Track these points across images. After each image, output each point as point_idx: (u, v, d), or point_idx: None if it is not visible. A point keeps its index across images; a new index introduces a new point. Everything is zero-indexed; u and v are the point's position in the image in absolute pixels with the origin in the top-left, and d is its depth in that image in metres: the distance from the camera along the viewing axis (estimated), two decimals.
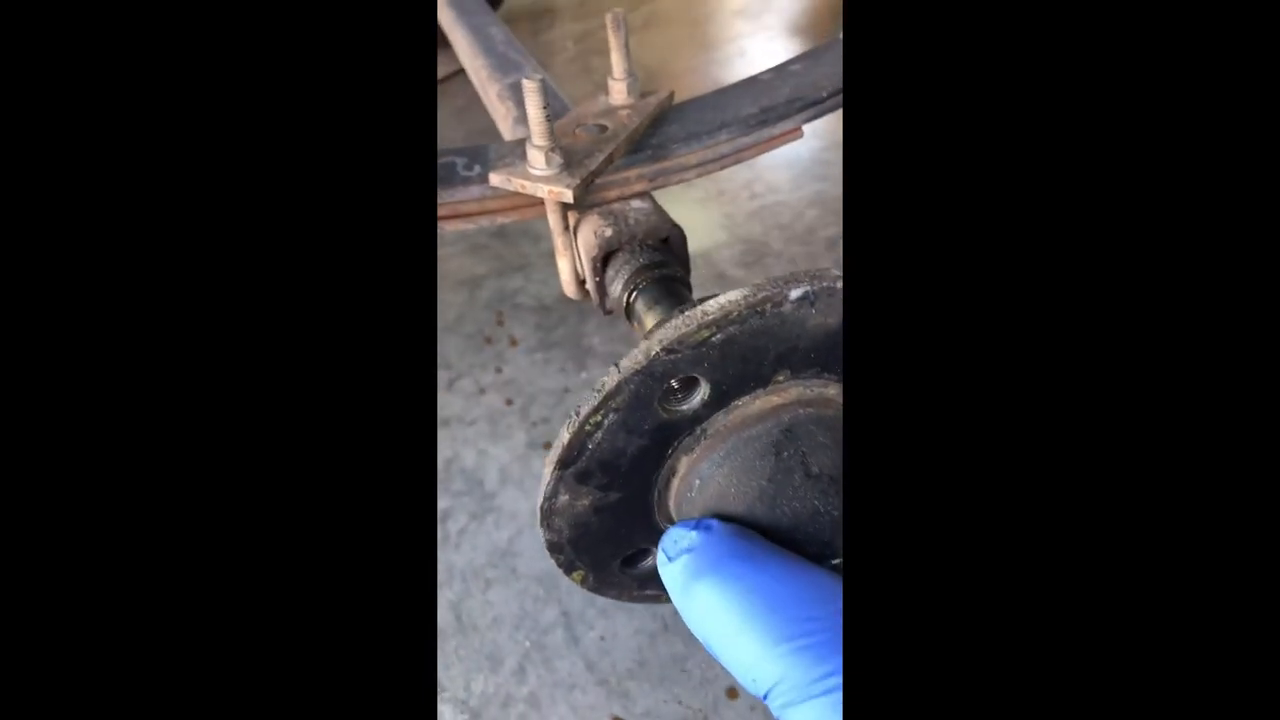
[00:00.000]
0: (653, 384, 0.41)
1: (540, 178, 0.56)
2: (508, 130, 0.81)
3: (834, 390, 0.46)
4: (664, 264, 0.58)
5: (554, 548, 0.50)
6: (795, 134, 0.66)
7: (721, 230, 1.59)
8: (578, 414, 0.42)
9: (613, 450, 0.44)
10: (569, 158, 0.58)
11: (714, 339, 0.41)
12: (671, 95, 0.70)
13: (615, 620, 0.97)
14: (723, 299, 0.41)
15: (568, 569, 0.52)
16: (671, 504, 0.49)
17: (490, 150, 0.63)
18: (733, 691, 0.88)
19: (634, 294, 0.57)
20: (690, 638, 0.94)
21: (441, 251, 1.65)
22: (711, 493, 0.45)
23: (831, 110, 0.68)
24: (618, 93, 0.67)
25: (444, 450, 1.21)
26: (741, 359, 0.42)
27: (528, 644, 0.95)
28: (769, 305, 0.40)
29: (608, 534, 0.50)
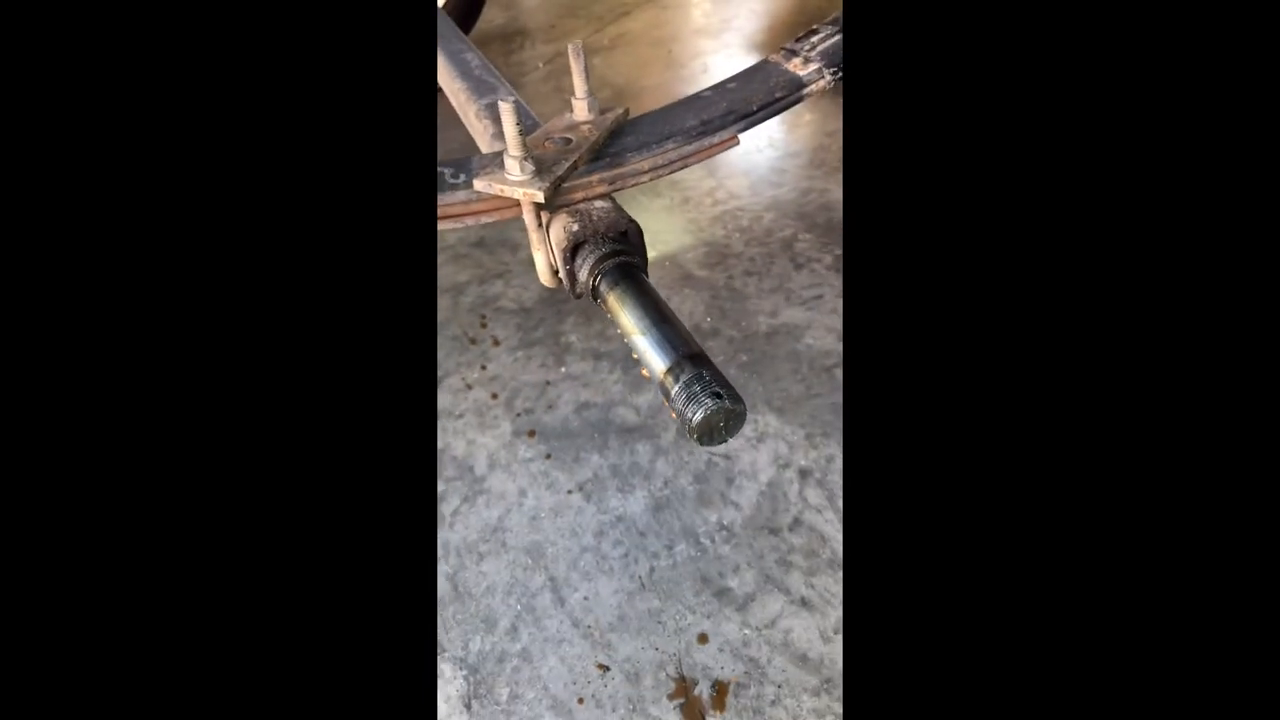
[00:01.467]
0: None
1: (516, 182, 0.67)
2: (485, 144, 0.93)
3: None
4: (623, 252, 0.70)
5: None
6: (732, 142, 0.79)
7: (687, 234, 1.72)
8: None
9: None
10: (540, 165, 0.69)
11: None
12: (627, 111, 0.82)
13: (597, 583, 1.07)
14: None
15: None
16: None
17: (473, 161, 0.75)
18: (703, 637, 0.99)
19: (598, 278, 0.69)
20: (664, 594, 1.05)
21: None
22: None
23: (762, 121, 0.80)
24: (580, 110, 0.79)
25: (437, 441, 1.31)
26: None
27: (519, 607, 1.05)
28: None
29: None
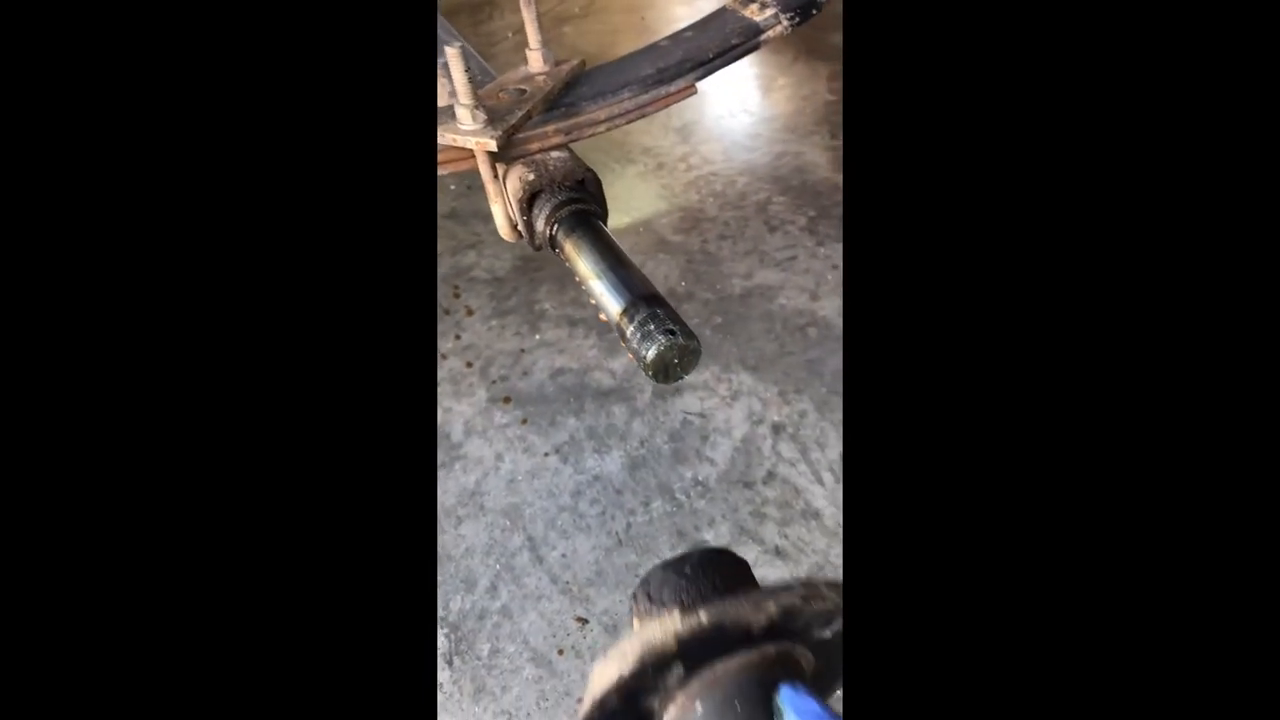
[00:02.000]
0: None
1: (468, 132, 0.67)
2: (443, 102, 0.92)
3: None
4: (579, 200, 0.70)
5: None
6: (689, 90, 0.78)
7: (661, 200, 1.71)
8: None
9: None
10: (493, 115, 0.69)
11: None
12: (583, 62, 0.81)
13: (575, 540, 1.08)
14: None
15: None
16: None
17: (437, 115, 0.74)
18: None
19: (555, 226, 0.69)
20: (641, 549, 1.06)
21: None
22: None
23: (719, 69, 0.79)
24: (534, 61, 0.78)
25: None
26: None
27: (498, 566, 1.06)
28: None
29: None
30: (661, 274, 1.50)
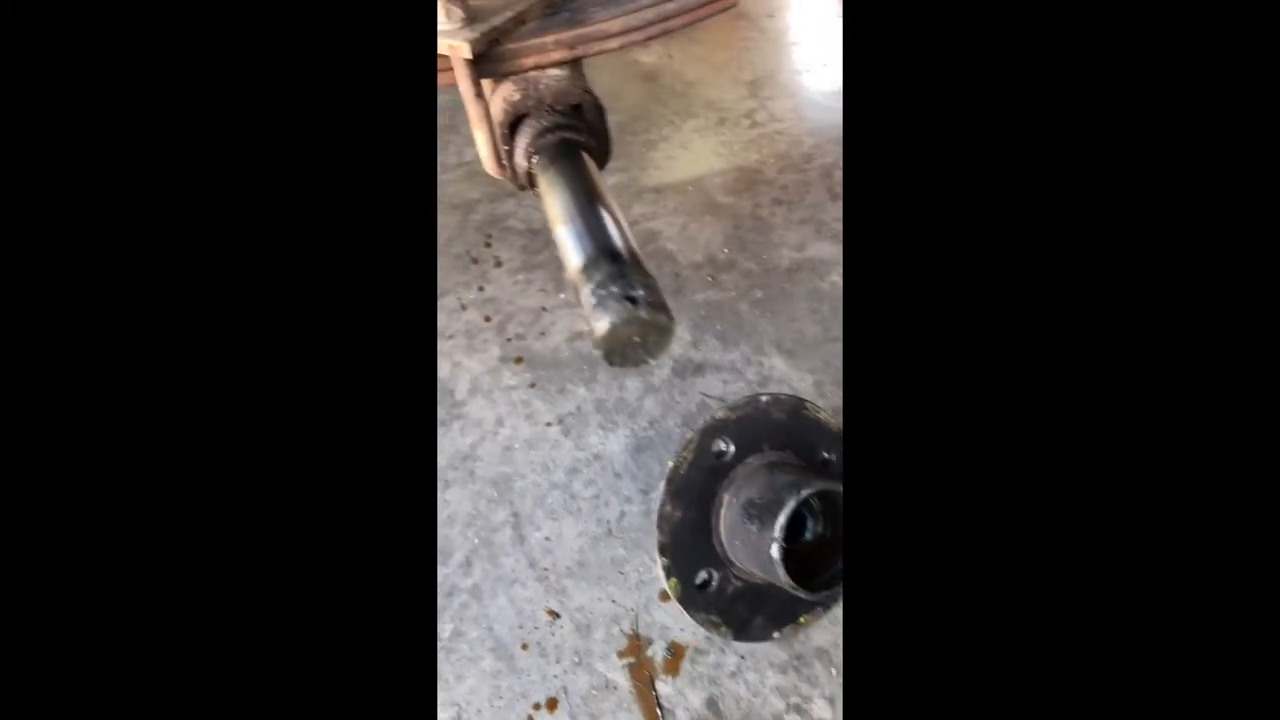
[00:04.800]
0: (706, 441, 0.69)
1: (440, 33, 0.55)
2: None
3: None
4: (568, 127, 0.57)
5: (662, 549, 0.74)
6: (728, 2, 0.63)
7: (716, 158, 1.55)
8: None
9: (689, 479, 0.70)
10: (476, 15, 0.56)
11: (733, 419, 0.70)
12: None
13: (562, 523, 0.98)
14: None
15: (665, 574, 0.75)
16: (721, 524, 0.73)
17: None
18: (665, 595, 0.89)
19: (534, 157, 0.56)
20: (630, 544, 0.95)
21: (441, 176, 1.66)
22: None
23: None
24: None
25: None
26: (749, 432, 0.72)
27: (476, 541, 0.98)
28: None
29: (689, 549, 0.74)
30: (704, 238, 1.36)
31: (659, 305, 0.42)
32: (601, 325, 0.42)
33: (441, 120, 1.90)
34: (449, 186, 1.63)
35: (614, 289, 0.43)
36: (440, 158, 1.72)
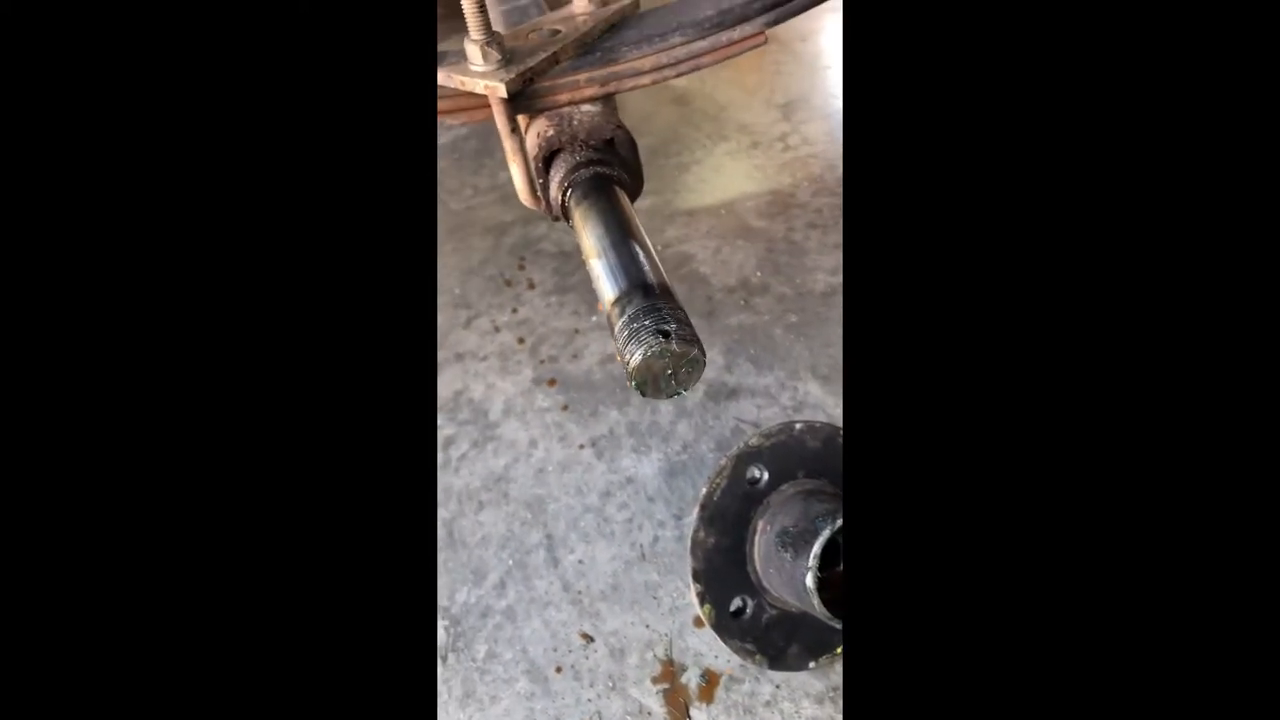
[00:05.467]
0: (740, 468, 0.70)
1: (478, 73, 0.57)
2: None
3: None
4: (601, 162, 0.58)
5: (695, 575, 0.75)
6: (758, 39, 0.64)
7: (749, 182, 1.56)
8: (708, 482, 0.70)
9: (722, 505, 0.71)
10: (512, 56, 0.59)
11: (767, 446, 0.70)
12: (637, 3, 0.69)
13: (595, 547, 0.99)
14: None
15: (699, 600, 0.77)
16: (756, 552, 0.74)
17: (448, 54, 0.65)
18: (699, 621, 0.88)
19: (569, 191, 0.58)
20: (664, 569, 0.95)
21: (473, 201, 1.70)
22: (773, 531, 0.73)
23: (798, 12, 0.65)
24: (580, 1, 0.67)
25: (454, 382, 1.26)
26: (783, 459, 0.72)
27: (510, 562, 0.99)
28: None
29: (723, 575, 0.75)
30: (737, 261, 1.36)
31: (691, 339, 0.43)
32: (635, 358, 0.43)
33: (475, 144, 1.95)
34: (482, 210, 1.67)
35: (647, 323, 0.44)
36: (473, 180, 1.76)
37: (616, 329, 0.45)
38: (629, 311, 0.45)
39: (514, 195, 1.68)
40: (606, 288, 0.48)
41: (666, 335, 0.42)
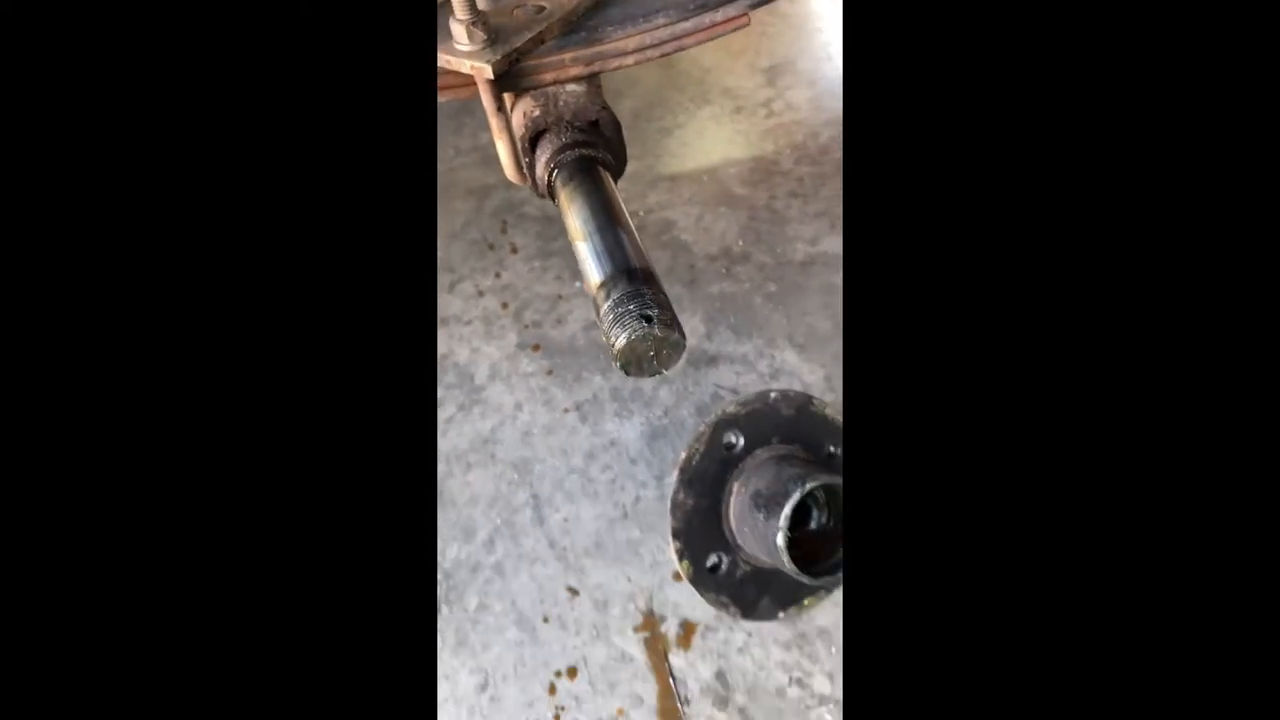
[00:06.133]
0: (717, 434, 0.71)
1: (464, 53, 0.58)
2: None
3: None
4: (586, 144, 0.60)
5: (675, 534, 0.78)
6: (742, 20, 0.66)
7: (733, 147, 1.57)
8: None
9: (701, 469, 0.73)
10: (498, 35, 0.60)
11: (743, 413, 0.71)
12: None
13: (580, 505, 1.03)
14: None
15: (678, 556, 0.79)
16: (731, 512, 0.77)
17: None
18: (678, 575, 0.94)
19: (554, 172, 0.60)
20: (645, 527, 1.00)
21: (454, 162, 1.69)
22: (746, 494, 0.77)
23: None
24: None
25: (440, 346, 1.28)
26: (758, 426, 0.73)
27: (499, 521, 1.03)
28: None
29: (700, 534, 0.77)
30: (719, 229, 1.38)
31: (672, 323, 0.46)
32: (620, 341, 0.46)
33: (455, 103, 1.92)
34: (464, 171, 1.66)
35: (631, 307, 0.47)
36: (455, 141, 1.74)
37: (602, 312, 0.48)
38: (614, 296, 0.48)
39: (496, 157, 1.67)
40: (592, 271, 0.51)
41: (649, 320, 0.46)
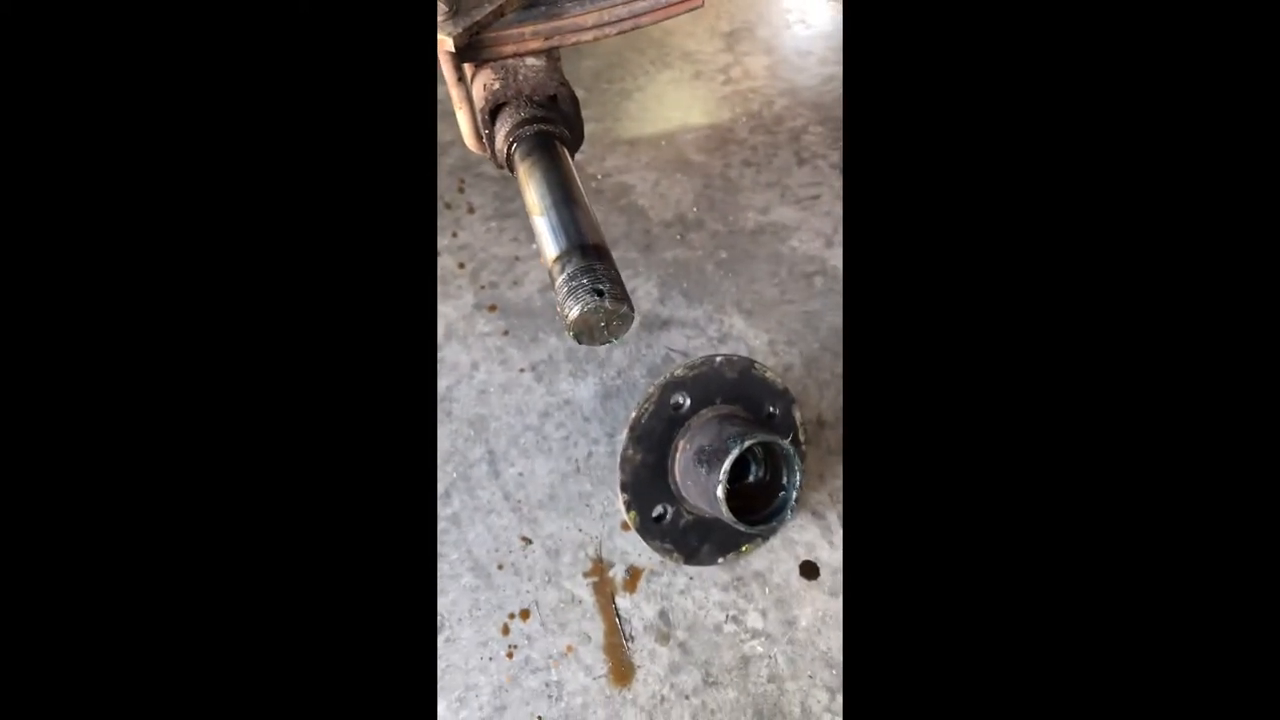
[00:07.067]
0: (666, 395, 0.78)
1: None
2: None
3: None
4: (544, 119, 0.63)
5: (623, 487, 0.85)
6: (695, 2, 0.68)
7: (690, 113, 1.59)
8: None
9: (649, 427, 0.81)
10: (458, 7, 0.61)
11: (690, 376, 0.79)
12: None
13: (534, 461, 1.08)
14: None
15: (626, 507, 0.87)
16: (676, 467, 0.84)
17: None
18: (625, 525, 1.01)
19: (513, 145, 0.63)
20: (596, 480, 1.06)
21: None
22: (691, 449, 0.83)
23: None
24: None
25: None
26: (703, 388, 0.80)
27: (455, 475, 1.08)
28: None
29: (647, 487, 0.85)
30: (675, 195, 1.42)
31: (621, 297, 0.51)
32: (573, 313, 0.50)
33: None
34: None
35: (584, 281, 0.51)
36: None
37: (557, 284, 0.52)
38: (568, 270, 0.52)
39: (452, 113, 1.66)
40: (548, 245, 0.54)
41: (600, 294, 0.50)
